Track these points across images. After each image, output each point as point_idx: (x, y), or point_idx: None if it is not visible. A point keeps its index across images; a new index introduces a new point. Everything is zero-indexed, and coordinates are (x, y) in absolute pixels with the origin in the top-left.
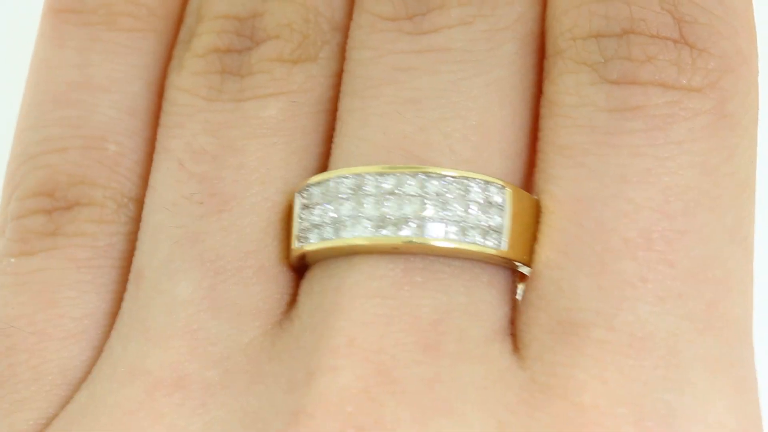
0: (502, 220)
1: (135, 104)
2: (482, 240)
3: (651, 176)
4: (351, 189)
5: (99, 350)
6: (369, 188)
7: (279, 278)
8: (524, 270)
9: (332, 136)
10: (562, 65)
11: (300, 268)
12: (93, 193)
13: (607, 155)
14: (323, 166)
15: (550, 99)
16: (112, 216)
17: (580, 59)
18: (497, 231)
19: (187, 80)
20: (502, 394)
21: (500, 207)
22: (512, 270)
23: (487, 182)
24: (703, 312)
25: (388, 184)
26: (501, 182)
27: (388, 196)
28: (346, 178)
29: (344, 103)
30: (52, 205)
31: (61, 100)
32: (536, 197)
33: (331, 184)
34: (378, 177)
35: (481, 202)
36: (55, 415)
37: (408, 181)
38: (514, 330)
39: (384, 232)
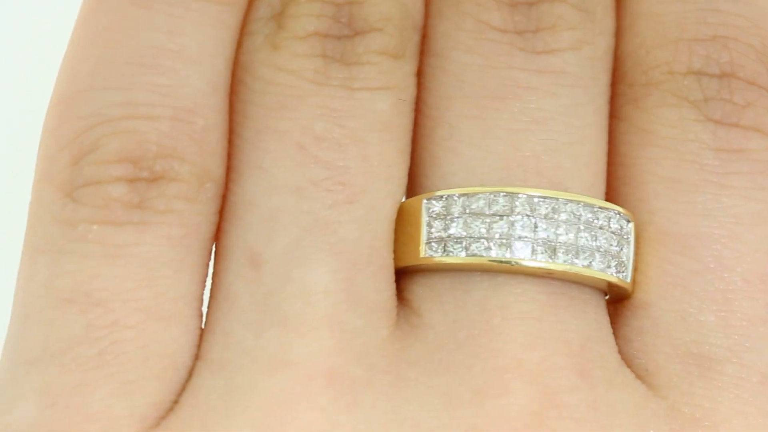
0: (628, 252)
1: (218, 80)
2: (616, 272)
3: (761, 219)
4: (504, 208)
5: (195, 334)
6: (523, 209)
7: (393, 278)
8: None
9: (415, 138)
10: (660, 97)
11: (400, 272)
12: (180, 168)
13: (719, 195)
14: (414, 166)
15: (644, 128)
16: (197, 194)
17: (681, 94)
18: (625, 263)
19: (289, 61)
20: (654, 420)
21: (627, 240)
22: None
23: (620, 213)
24: None
25: (544, 209)
26: (627, 214)
27: (543, 221)
28: (500, 196)
29: (455, 108)
30: (134, 174)
31: (150, 65)
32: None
33: (482, 200)
34: (534, 200)
35: (618, 234)
36: (173, 401)
37: (564, 209)
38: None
39: (541, 256)
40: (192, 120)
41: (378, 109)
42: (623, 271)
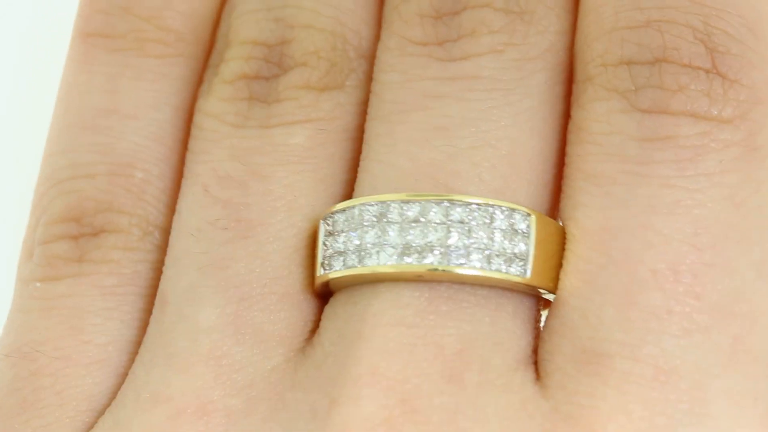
0: (527, 247)
1: (162, 131)
2: (506, 268)
3: (680, 208)
4: (375, 216)
5: (123, 377)
6: (393, 216)
7: (303, 305)
8: (548, 297)
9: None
10: (592, 92)
11: (324, 294)
12: (119, 220)
13: (637, 185)
14: (350, 193)
15: (578, 125)
16: (138, 243)
17: (611, 86)
18: (522, 258)
19: (215, 106)
20: (525, 424)
21: (525, 234)
22: (537, 297)
23: (511, 209)
24: (728, 346)
25: (412, 211)
26: (525, 209)
27: (412, 224)
28: (371, 205)
29: (371, 128)
30: (78, 231)
31: (90, 126)
32: (561, 224)
33: (356, 211)
34: (402, 205)
35: (506, 229)
36: None
37: (432, 209)
38: (536, 358)
39: (408, 260)
40: (130, 173)
41: (292, 142)
42: (519, 265)
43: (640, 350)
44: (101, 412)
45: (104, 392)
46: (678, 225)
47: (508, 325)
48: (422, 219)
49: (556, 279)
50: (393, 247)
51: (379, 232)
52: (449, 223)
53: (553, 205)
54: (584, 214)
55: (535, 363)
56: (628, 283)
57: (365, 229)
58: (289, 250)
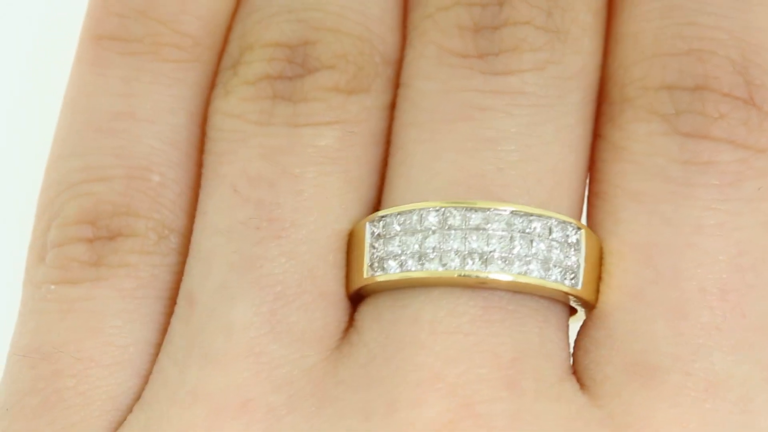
0: (578, 259)
1: (178, 136)
2: (561, 279)
3: (724, 230)
4: (437, 222)
5: (145, 378)
6: (456, 222)
7: (338, 304)
8: (579, 309)
9: (385, 168)
10: (632, 113)
11: (357, 297)
12: (136, 224)
13: (683, 206)
14: (376, 198)
15: (616, 144)
16: (154, 247)
17: (651, 109)
18: (573, 271)
19: (237, 106)
20: (584, 430)
21: (576, 247)
22: (569, 311)
23: (565, 222)
24: None
25: (475, 220)
26: (576, 223)
27: (475, 231)
28: (433, 211)
29: (410, 134)
30: (94, 234)
31: (104, 129)
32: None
33: (415, 216)
34: (466, 212)
35: (561, 241)
36: None
37: (496, 218)
38: (575, 369)
39: (472, 266)
40: (146, 177)
41: (320, 144)
42: (571, 278)
43: (691, 364)
44: (126, 412)
45: (127, 393)
46: (722, 246)
47: (554, 337)
48: (485, 227)
49: (597, 291)
50: (456, 253)
51: (441, 238)
52: (512, 232)
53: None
54: (629, 230)
55: (575, 374)
56: (678, 299)
57: (425, 233)
58: (323, 250)
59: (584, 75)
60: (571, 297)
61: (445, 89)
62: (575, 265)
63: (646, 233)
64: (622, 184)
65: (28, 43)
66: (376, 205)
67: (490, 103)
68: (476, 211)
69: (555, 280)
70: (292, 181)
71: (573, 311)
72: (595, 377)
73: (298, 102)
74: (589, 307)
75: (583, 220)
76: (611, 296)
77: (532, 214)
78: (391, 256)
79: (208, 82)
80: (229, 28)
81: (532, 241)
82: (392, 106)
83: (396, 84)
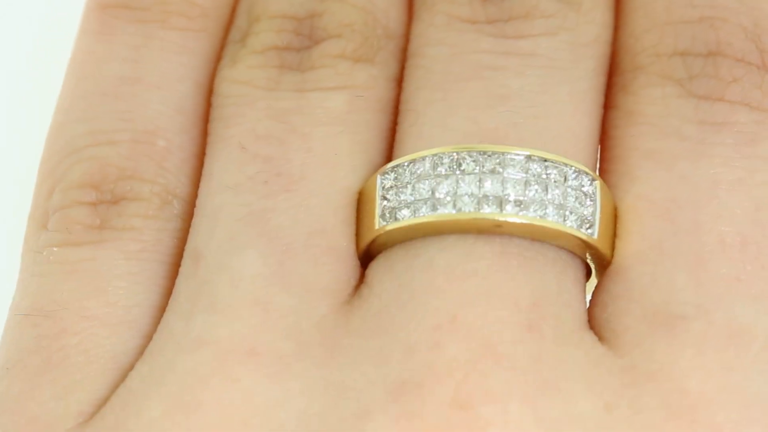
0: (594, 209)
1: (184, 103)
2: (578, 226)
3: (743, 185)
4: (449, 167)
5: (149, 339)
6: (469, 165)
7: (347, 260)
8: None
9: (392, 135)
10: (645, 79)
11: (367, 256)
12: (141, 188)
13: (700, 162)
14: (387, 161)
15: (630, 109)
16: (158, 212)
17: (665, 74)
18: (589, 221)
19: (244, 73)
20: (607, 377)
21: (592, 198)
22: (586, 267)
23: (581, 171)
24: None
25: (489, 164)
26: (592, 174)
27: (489, 175)
28: (445, 155)
29: (421, 96)
30: (97, 197)
31: (111, 93)
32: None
33: (427, 162)
34: (479, 155)
35: (577, 189)
36: (110, 396)
37: (510, 162)
38: (592, 325)
39: (487, 209)
40: (152, 141)
41: (328, 105)
42: (587, 227)
43: (714, 313)
44: (128, 370)
45: (130, 352)
46: (741, 200)
47: (572, 288)
48: (500, 170)
49: (613, 247)
50: (470, 196)
51: (454, 182)
52: (527, 176)
53: None
54: (646, 187)
55: (592, 329)
56: (699, 251)
57: (438, 179)
58: (333, 205)
59: (598, 45)
60: (587, 250)
61: (455, 52)
62: (591, 215)
63: (663, 189)
64: (636, 145)
65: (27, 42)
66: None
67: (503, 63)
68: (491, 155)
69: (571, 227)
70: (300, 139)
71: (588, 275)
72: (615, 329)
73: (306, 70)
74: (604, 263)
75: None
76: (629, 249)
77: (547, 160)
78: (403, 205)
79: (215, 53)
80: (236, 1)
81: (547, 186)
82: (397, 80)
83: (401, 59)
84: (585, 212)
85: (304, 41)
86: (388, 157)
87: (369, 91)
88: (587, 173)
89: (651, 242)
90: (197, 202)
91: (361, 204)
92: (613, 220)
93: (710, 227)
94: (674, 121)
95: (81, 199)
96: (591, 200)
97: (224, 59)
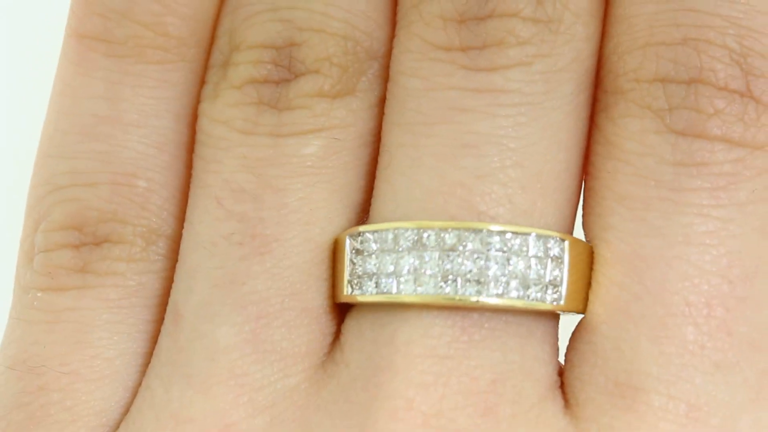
0: (561, 273)
1: (165, 138)
2: (542, 295)
3: (714, 239)
4: (411, 242)
5: (132, 390)
6: (430, 242)
7: (322, 319)
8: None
9: (374, 168)
10: (624, 107)
11: (344, 307)
12: (123, 230)
13: (672, 213)
14: (366, 201)
15: (609, 139)
16: (142, 254)
17: (644, 103)
18: (556, 285)
19: (223, 112)
20: None
21: (559, 260)
22: (558, 318)
23: (546, 236)
24: (756, 380)
25: (450, 240)
26: (559, 235)
27: (449, 252)
28: (407, 231)
29: (393, 135)
30: (80, 240)
31: (89, 134)
32: (590, 243)
33: (390, 234)
34: (440, 232)
35: (541, 256)
36: None
37: (470, 238)
38: (562, 381)
39: (447, 289)
40: (133, 183)
41: (304, 153)
42: (553, 293)
43: (674, 386)
44: (113, 427)
45: (114, 407)
46: (712, 257)
47: (538, 353)
48: (460, 247)
49: (586, 300)
50: (430, 275)
51: (415, 259)
52: (487, 252)
53: (574, 217)
54: (616, 237)
55: (561, 388)
56: (664, 316)
57: (400, 254)
58: (307, 264)
59: (577, 64)
60: (555, 313)
61: (427, 87)
62: (558, 280)
63: (633, 242)
64: (612, 186)
65: (27, 42)
66: (366, 207)
67: (472, 103)
68: (450, 231)
69: (534, 299)
70: (275, 195)
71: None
72: (578, 397)
73: (283, 110)
74: (581, 313)
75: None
76: (598, 308)
77: (506, 232)
78: (367, 275)
79: (197, 79)
80: (216, 21)
81: (509, 259)
82: (383, 101)
83: (386, 78)
84: (551, 278)
85: (282, 73)
86: (370, 191)
87: (348, 129)
88: (553, 236)
89: (617, 303)
90: (179, 250)
91: (335, 259)
92: (588, 272)
93: (677, 288)
94: (650, 162)
95: (63, 241)
96: (557, 264)
97: (206, 87)
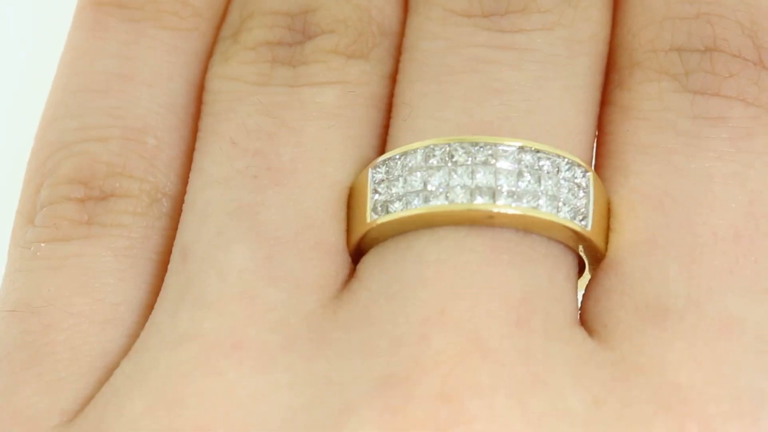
0: (587, 201)
1: (175, 101)
2: (572, 217)
3: (737, 179)
4: (441, 159)
5: (135, 337)
6: (461, 157)
7: (336, 256)
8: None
9: (386, 131)
10: (641, 74)
11: (358, 252)
12: (130, 185)
13: (694, 155)
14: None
15: (625, 105)
16: (146, 209)
17: (661, 69)
18: (583, 212)
19: (235, 69)
20: (596, 371)
21: (585, 189)
22: (580, 262)
23: (573, 163)
24: None
25: (482, 155)
26: (585, 165)
27: (481, 167)
28: (436, 147)
29: (415, 88)
30: (85, 193)
31: (102, 90)
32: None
33: (420, 154)
34: (471, 147)
35: (570, 180)
36: (94, 395)
37: (503, 153)
38: (584, 320)
39: (480, 200)
40: (142, 139)
41: (320, 100)
42: (580, 219)
43: (705, 306)
44: (114, 369)
45: (117, 350)
46: (735, 194)
47: (563, 284)
48: (492, 161)
49: (606, 239)
50: (462, 187)
51: (446, 174)
52: (520, 168)
53: None
54: (640, 181)
55: (583, 324)
56: (691, 243)
57: (430, 171)
58: (323, 200)
59: (594, 42)
60: (580, 243)
61: (450, 45)
62: (584, 207)
63: (657, 183)
64: (632, 140)
65: (27, 41)
66: None
67: (498, 56)
68: (483, 146)
69: (565, 218)
70: (291, 134)
71: (581, 270)
72: (607, 323)
73: (298, 65)
74: (598, 257)
75: None
76: (622, 242)
77: (539, 151)
78: (395, 198)
79: (207, 52)
80: (229, 1)
81: (540, 177)
82: (391, 77)
83: (395, 56)
84: (578, 204)
85: (296, 37)
86: (381, 152)
87: (362, 87)
88: (580, 165)
89: (644, 235)
90: (186, 198)
91: (353, 198)
92: (607, 214)
93: (703, 220)
94: (670, 116)
95: (69, 194)
96: (584, 192)
97: (215, 56)
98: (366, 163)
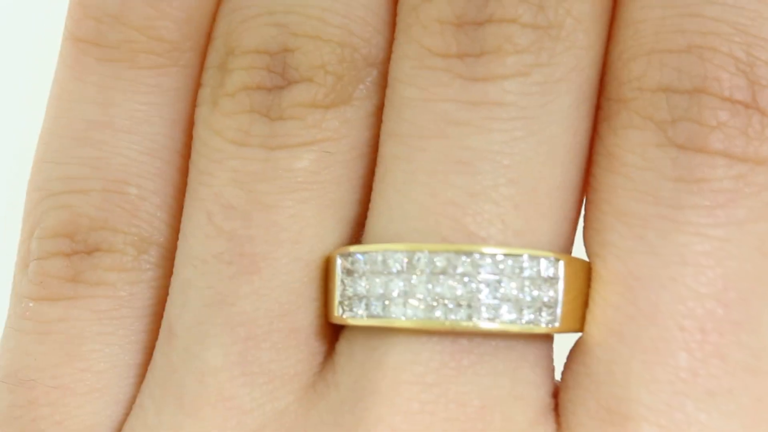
0: (556, 294)
1: (157, 145)
2: (536, 318)
3: (711, 260)
4: (401, 264)
5: (124, 404)
6: (421, 265)
7: (311, 340)
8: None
9: (371, 180)
10: (627, 117)
11: (335, 326)
12: (113, 239)
13: (669, 232)
14: (361, 214)
15: (610, 151)
16: (133, 263)
17: (646, 114)
18: (551, 306)
19: (218, 120)
20: None
21: (553, 281)
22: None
23: (539, 257)
24: (752, 407)
25: (440, 263)
26: (553, 255)
27: (440, 276)
28: (396, 253)
29: (389, 146)
30: (71, 248)
31: (81, 138)
32: (587, 260)
33: (379, 257)
34: (431, 255)
35: (535, 277)
36: None
37: (462, 261)
38: (557, 403)
39: (437, 314)
40: (124, 190)
41: (296, 167)
42: (548, 315)
43: (665, 415)
44: None
45: (104, 421)
46: (708, 279)
47: (529, 376)
48: (450, 270)
49: (583, 318)
50: (419, 300)
51: (405, 283)
52: (479, 275)
53: (573, 233)
54: (613, 255)
55: (555, 410)
56: (657, 339)
57: (390, 277)
58: (296, 284)
59: (576, 73)
60: (550, 335)
61: (423, 98)
62: (552, 301)
63: (629, 261)
64: (612, 200)
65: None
66: (362, 220)
67: (467, 116)
68: (440, 254)
69: (528, 322)
70: (264, 212)
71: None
72: (570, 422)
73: (275, 120)
74: (578, 332)
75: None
76: (593, 329)
77: (498, 254)
78: (357, 297)
79: (192, 83)
80: (212, 24)
81: (500, 281)
82: (381, 109)
83: (384, 85)
84: (545, 299)
85: (275, 80)
86: (366, 203)
87: (341, 141)
88: (547, 256)
89: (611, 324)
90: (175, 265)
91: (327, 277)
92: (584, 291)
93: (671, 311)
94: (650, 177)
95: (55, 249)
96: (551, 285)
97: (203, 90)
98: (347, 224)
